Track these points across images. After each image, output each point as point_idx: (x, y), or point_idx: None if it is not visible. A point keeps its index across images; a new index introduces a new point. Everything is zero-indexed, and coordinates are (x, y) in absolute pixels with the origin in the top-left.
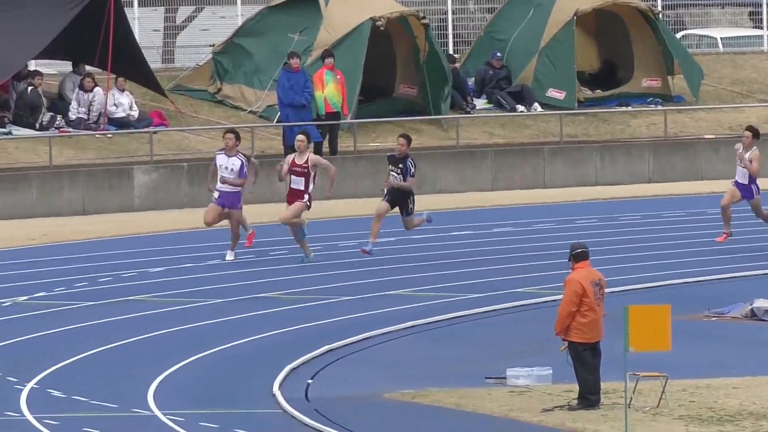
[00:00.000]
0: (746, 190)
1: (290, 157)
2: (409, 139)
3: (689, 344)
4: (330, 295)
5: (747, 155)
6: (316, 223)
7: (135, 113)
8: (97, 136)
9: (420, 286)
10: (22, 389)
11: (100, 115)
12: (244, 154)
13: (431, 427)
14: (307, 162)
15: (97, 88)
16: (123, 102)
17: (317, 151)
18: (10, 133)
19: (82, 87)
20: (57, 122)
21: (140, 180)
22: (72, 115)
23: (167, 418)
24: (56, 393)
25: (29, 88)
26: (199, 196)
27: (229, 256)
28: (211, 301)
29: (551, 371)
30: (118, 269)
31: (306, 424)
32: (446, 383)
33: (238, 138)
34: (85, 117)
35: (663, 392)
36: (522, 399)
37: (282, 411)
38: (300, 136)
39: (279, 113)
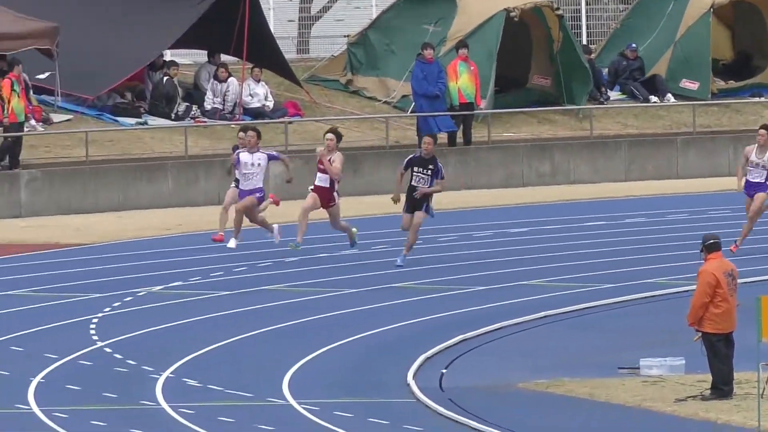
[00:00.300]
0: (760, 187)
1: (321, 150)
2: (436, 139)
3: None
4: (463, 285)
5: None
6: (450, 213)
7: (270, 103)
8: (233, 126)
9: (553, 277)
10: (158, 378)
11: (235, 105)
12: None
13: (564, 417)
14: (331, 161)
15: (231, 78)
16: (258, 92)
17: (451, 142)
18: (146, 123)
19: (216, 77)
20: (192, 112)
21: (274, 170)
22: (207, 105)
23: (302, 408)
24: (192, 382)
25: (165, 79)
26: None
27: (231, 244)
28: (346, 291)
29: (684, 361)
30: (254, 259)
31: (440, 414)
32: (579, 373)
33: (259, 136)
34: (220, 107)
35: None
36: (655, 389)
37: (416, 400)
38: (329, 135)
39: (413, 104)
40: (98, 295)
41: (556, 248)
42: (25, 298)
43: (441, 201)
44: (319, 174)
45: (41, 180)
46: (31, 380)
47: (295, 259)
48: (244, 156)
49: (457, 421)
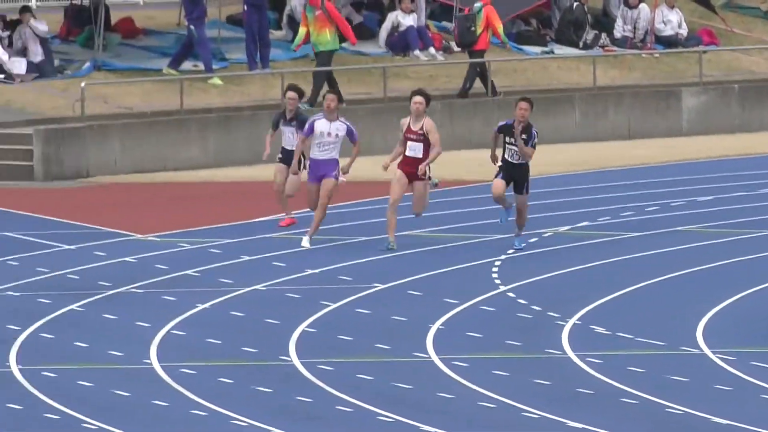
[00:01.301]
0: None
1: (405, 121)
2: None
3: None
4: None
5: None
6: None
7: (684, 31)
8: (644, 55)
9: None
10: (564, 325)
11: (646, 33)
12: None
13: None
14: (422, 128)
15: (642, 5)
16: (671, 19)
17: None
18: (551, 51)
19: (627, 3)
20: (601, 41)
21: (689, 103)
22: (617, 33)
23: (717, 357)
24: (599, 329)
25: (574, 5)
26: (749, 120)
27: (305, 243)
28: (764, 233)
29: None
30: (665, 198)
31: None
32: None
33: (340, 99)
34: (631, 35)
35: None
36: None
37: None
38: (417, 98)
39: None
40: (500, 236)
41: None
42: (424, 239)
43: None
44: (410, 143)
45: (439, 113)
46: (430, 327)
47: (709, 198)
48: (321, 124)
49: None
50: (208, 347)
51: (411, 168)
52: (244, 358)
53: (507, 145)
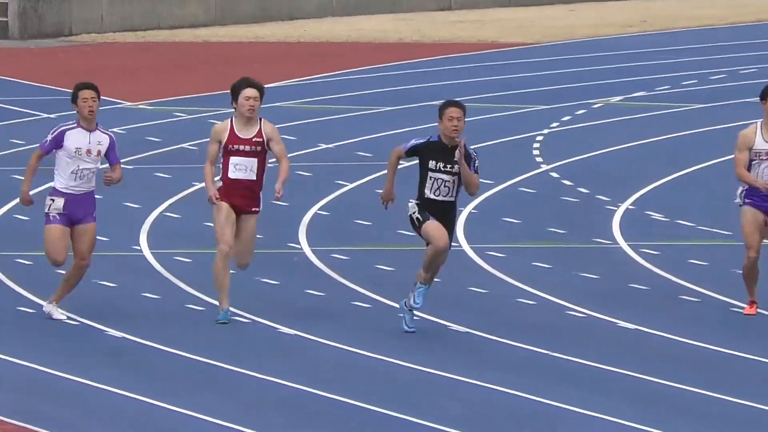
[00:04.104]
0: None
1: (222, 126)
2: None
3: None
4: None
5: None
6: None
7: None
8: None
9: None
10: (615, 211)
11: None
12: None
13: None
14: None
15: None
16: None
17: None
18: None
19: None
20: None
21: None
22: None
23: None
24: (656, 216)
25: None
26: None
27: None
28: None
29: None
30: (734, 64)
31: None
32: None
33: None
34: None
35: None
36: None
37: None
38: (252, 91)
39: None
40: (544, 107)
41: None
42: None
43: None
44: (235, 159)
45: None
46: (461, 210)
47: None
48: (75, 137)
49: None
50: (206, 232)
51: (242, 198)
52: None
53: (430, 174)
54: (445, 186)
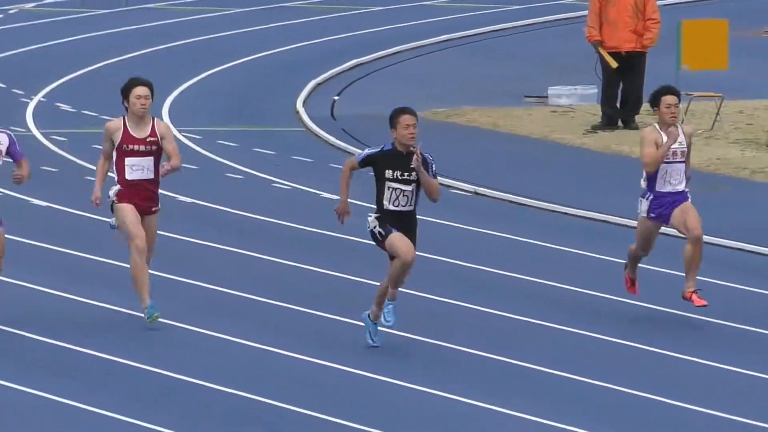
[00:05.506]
0: None
1: (114, 125)
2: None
3: (748, 63)
4: (359, 4)
5: None
6: None
7: None
8: None
9: None
10: (29, 103)
11: None
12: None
13: (466, 147)
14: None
15: None
16: None
17: None
18: None
19: None
20: None
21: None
22: None
23: (183, 136)
24: (65, 107)
25: None
26: None
27: None
28: (234, 11)
29: (596, 90)
30: None
31: (331, 144)
32: (483, 102)
33: None
34: None
35: (717, 114)
36: (564, 120)
37: (305, 129)
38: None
39: None
40: None
41: None
42: None
43: None
44: (130, 160)
45: None
46: None
47: None
48: None
49: (348, 152)
50: None
51: (143, 200)
52: None
53: (388, 185)
54: (404, 195)
